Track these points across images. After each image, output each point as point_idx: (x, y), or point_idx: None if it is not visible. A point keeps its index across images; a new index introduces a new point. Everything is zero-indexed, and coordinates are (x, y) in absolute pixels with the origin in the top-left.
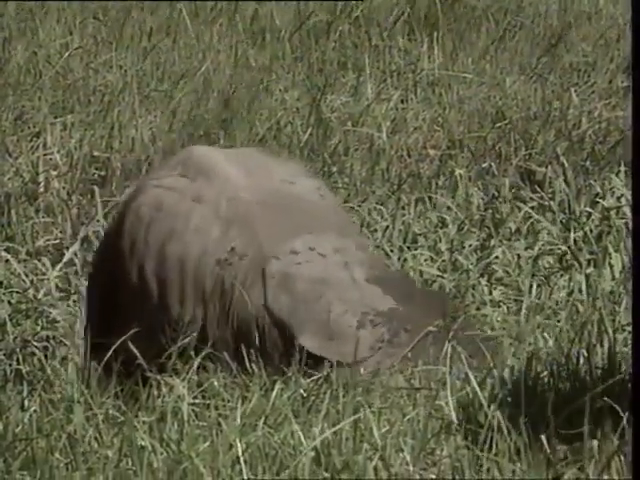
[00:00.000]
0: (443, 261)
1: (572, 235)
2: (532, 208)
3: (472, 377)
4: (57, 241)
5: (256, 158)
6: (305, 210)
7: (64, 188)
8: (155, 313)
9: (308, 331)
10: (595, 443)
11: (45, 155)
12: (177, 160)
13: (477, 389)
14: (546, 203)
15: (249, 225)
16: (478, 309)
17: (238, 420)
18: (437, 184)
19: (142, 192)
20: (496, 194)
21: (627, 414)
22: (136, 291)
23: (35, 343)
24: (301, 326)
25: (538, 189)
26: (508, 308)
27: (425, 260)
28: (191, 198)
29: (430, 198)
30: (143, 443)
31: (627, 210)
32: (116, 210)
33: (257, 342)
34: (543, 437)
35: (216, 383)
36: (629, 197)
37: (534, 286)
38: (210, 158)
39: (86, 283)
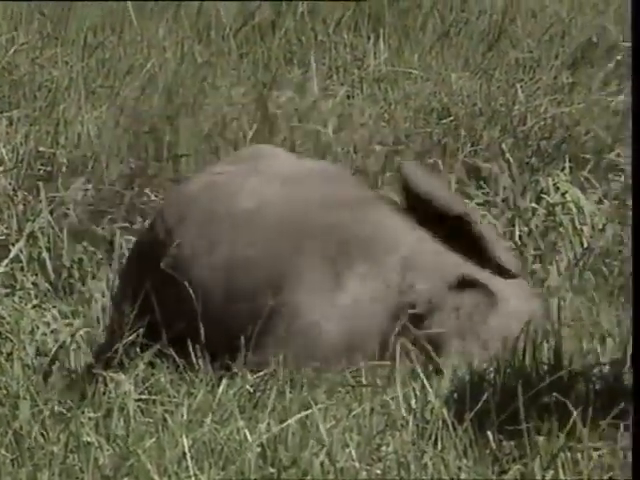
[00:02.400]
0: None
1: (517, 231)
2: (478, 204)
3: (420, 373)
4: (2, 237)
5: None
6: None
7: (10, 184)
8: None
9: None
10: (540, 439)
11: None
12: (228, 158)
13: (426, 384)
14: (491, 199)
15: (306, 184)
16: None
17: (184, 416)
18: (383, 180)
19: (185, 183)
20: None
21: (578, 409)
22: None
23: None
24: None
25: (484, 185)
26: None
27: None
28: (245, 173)
29: None
30: (89, 439)
31: (572, 206)
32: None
33: None
34: (489, 433)
35: (162, 379)
36: (575, 193)
37: None
38: (267, 147)
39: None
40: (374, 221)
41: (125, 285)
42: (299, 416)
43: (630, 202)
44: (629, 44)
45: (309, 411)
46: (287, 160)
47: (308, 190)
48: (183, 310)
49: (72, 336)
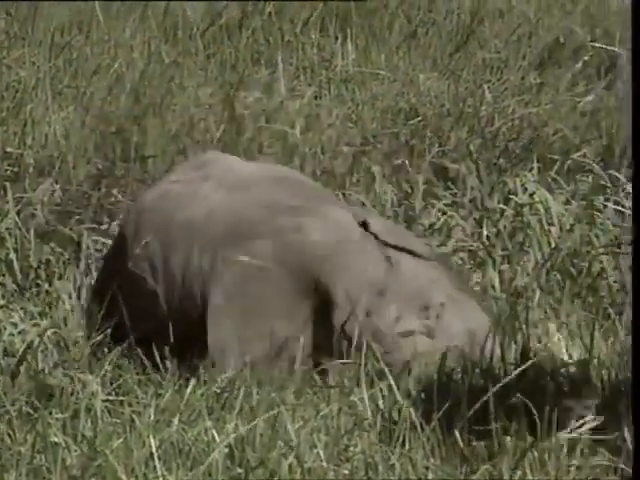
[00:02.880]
0: None
1: (485, 231)
2: (445, 205)
3: (388, 373)
4: None
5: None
6: (307, 186)
7: None
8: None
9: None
10: (508, 439)
11: None
12: (184, 165)
13: (393, 385)
14: (459, 200)
15: (253, 190)
16: None
17: (152, 416)
18: (351, 181)
19: (146, 191)
20: (410, 190)
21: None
22: (139, 275)
23: None
24: None
25: (451, 186)
26: None
27: None
28: (197, 181)
29: (344, 194)
30: (56, 440)
31: (540, 206)
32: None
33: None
34: (457, 433)
35: (130, 380)
36: (543, 193)
37: None
38: (218, 154)
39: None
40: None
41: (95, 288)
42: (267, 416)
43: (596, 202)
44: (626, 51)
45: (277, 411)
46: (238, 167)
47: (252, 197)
48: (144, 314)
49: (40, 336)
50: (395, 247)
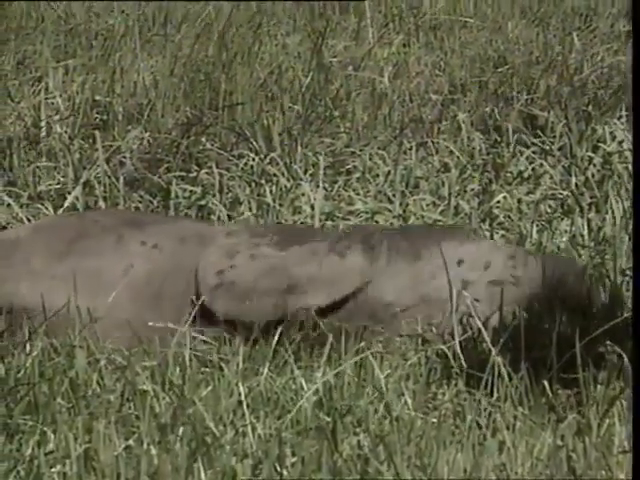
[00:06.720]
0: (445, 205)
1: (574, 180)
2: (534, 153)
3: (478, 321)
4: (59, 185)
5: None
6: None
7: (66, 132)
8: None
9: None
10: (596, 387)
11: (47, 99)
12: None
13: (483, 331)
14: (548, 148)
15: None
16: None
17: (240, 365)
18: (439, 129)
19: None
20: (498, 138)
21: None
22: None
23: None
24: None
25: (540, 134)
26: None
27: (427, 205)
28: None
29: (432, 143)
30: (145, 387)
31: (629, 154)
32: None
33: None
34: (545, 382)
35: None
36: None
37: (535, 230)
38: None
39: None
40: None
41: None
42: (354, 360)
43: None
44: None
45: (364, 355)
46: None
47: None
48: None
49: None
50: None
